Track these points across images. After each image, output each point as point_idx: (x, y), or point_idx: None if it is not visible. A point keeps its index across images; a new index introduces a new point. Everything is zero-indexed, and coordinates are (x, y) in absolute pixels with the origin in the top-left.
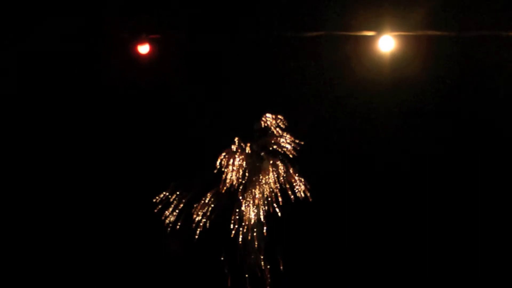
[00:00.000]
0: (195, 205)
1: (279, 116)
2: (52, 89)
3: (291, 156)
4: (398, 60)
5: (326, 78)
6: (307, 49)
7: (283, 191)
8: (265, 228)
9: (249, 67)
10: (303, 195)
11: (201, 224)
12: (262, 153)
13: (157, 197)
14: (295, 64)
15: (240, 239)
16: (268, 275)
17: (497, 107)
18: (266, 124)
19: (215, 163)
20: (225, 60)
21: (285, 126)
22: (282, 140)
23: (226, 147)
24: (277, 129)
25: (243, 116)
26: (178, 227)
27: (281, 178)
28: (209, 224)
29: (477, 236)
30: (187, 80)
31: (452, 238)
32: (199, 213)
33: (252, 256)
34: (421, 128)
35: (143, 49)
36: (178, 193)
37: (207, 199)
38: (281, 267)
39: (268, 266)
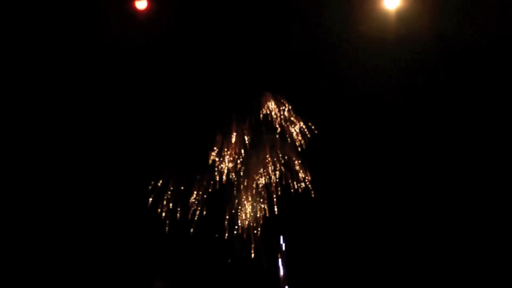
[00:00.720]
0: (195, 182)
1: (279, 97)
2: (50, 47)
3: (299, 148)
4: (404, 17)
5: (331, 35)
6: (312, 5)
7: (284, 175)
8: (259, 210)
9: (250, 25)
10: (303, 185)
11: (199, 206)
12: (263, 129)
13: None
14: (299, 22)
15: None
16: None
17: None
18: (267, 102)
19: (212, 143)
20: (224, 18)
21: (289, 107)
22: (291, 125)
23: (223, 122)
24: (283, 112)
25: (244, 81)
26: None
27: (278, 152)
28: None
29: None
30: (184, 39)
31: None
32: (196, 198)
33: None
34: (427, 85)
35: (141, 4)
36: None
37: (204, 182)
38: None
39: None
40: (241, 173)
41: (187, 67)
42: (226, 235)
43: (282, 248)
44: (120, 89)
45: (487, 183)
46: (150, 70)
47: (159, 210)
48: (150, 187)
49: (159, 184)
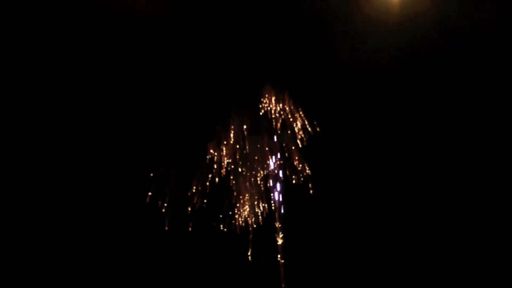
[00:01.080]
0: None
1: (279, 89)
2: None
3: (299, 141)
4: (406, 2)
5: (332, 24)
6: None
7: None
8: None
9: (250, 16)
10: (302, 178)
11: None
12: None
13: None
14: (299, 11)
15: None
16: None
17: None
18: (266, 94)
19: (212, 136)
20: (225, 9)
21: (288, 100)
22: (291, 117)
23: (223, 115)
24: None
25: (244, 69)
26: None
27: (277, 145)
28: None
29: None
30: (184, 31)
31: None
32: (196, 190)
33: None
34: (431, 69)
35: None
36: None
37: (203, 174)
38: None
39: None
40: (240, 167)
41: (187, 59)
42: (225, 228)
43: (280, 239)
44: (118, 80)
45: (485, 181)
46: (149, 61)
47: (159, 203)
48: (149, 182)
49: (159, 173)
